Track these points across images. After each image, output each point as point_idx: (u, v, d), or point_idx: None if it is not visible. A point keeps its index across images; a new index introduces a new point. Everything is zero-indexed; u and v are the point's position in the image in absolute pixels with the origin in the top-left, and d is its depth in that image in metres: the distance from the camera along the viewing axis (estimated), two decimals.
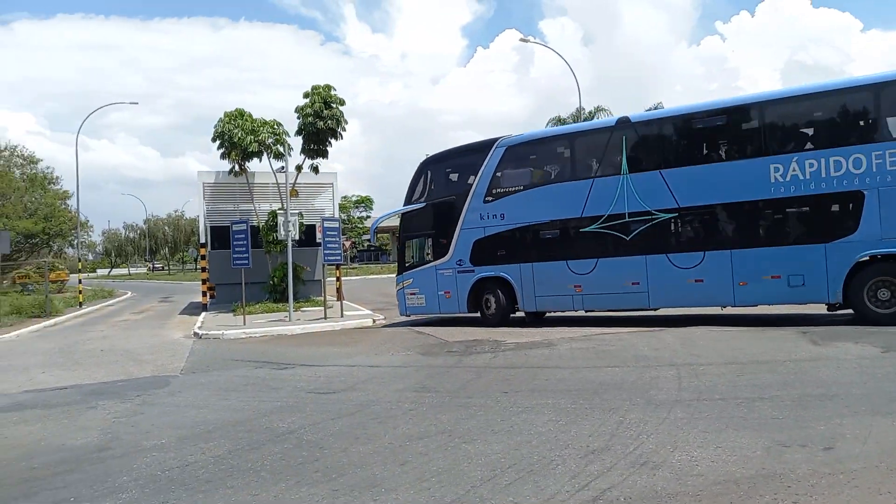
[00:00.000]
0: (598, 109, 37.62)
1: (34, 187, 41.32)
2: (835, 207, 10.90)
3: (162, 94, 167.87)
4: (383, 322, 15.83)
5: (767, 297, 11.49)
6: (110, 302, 30.74)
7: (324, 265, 17.53)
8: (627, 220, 12.33)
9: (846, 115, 11.27)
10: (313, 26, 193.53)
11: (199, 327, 15.47)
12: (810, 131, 11.51)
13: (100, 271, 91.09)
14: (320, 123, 19.33)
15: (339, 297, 18.86)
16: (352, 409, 6.73)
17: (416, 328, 14.15)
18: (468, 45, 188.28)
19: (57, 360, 11.79)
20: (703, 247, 11.82)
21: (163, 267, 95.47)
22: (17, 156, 41.99)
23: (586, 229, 12.73)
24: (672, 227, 12.21)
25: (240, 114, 19.86)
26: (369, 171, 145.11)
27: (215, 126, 19.83)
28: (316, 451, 5.27)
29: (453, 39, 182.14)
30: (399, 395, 7.36)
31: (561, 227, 13.18)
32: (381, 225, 18.86)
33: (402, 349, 11.25)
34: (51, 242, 45.51)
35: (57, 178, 45.95)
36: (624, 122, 12.85)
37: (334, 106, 19.61)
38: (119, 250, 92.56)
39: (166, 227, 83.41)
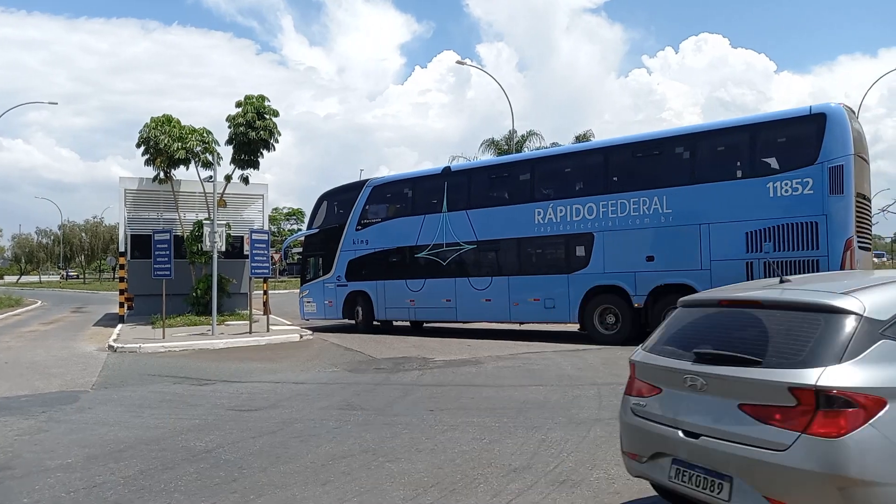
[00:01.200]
0: (531, 133, 38.56)
1: None
2: (574, 245, 13.34)
3: (87, 95, 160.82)
4: (311, 337, 15.58)
5: (531, 316, 14.25)
6: (17, 311, 28.91)
7: (250, 278, 17.10)
8: (445, 249, 15.25)
9: (584, 172, 14.11)
10: (249, 35, 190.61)
11: (115, 340, 14.75)
12: (561, 183, 14.20)
13: (7, 278, 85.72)
14: (252, 134, 18.93)
15: (266, 311, 18.44)
16: (274, 427, 6.57)
17: (345, 344, 14.02)
18: (406, 63, 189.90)
19: None
20: (491, 273, 14.63)
21: (77, 275, 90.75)
22: None
23: (418, 255, 15.74)
24: (472, 257, 14.96)
25: (167, 119, 19.21)
26: (302, 183, 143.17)
27: (140, 131, 19.13)
28: (234, 470, 5.11)
29: (392, 57, 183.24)
30: (324, 412, 7.25)
31: (402, 252, 16.17)
32: (298, 240, 20.46)
33: (329, 365, 11.09)
34: None
35: None
36: (447, 171, 16.13)
37: (267, 117, 19.26)
38: (30, 256, 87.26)
39: (83, 234, 79.34)
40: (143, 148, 19.13)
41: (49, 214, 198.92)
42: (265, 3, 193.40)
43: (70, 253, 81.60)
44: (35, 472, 5.23)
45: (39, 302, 36.40)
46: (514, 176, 15.04)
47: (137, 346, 13.59)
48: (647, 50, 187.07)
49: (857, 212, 10.70)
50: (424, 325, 17.09)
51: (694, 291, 11.06)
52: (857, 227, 10.70)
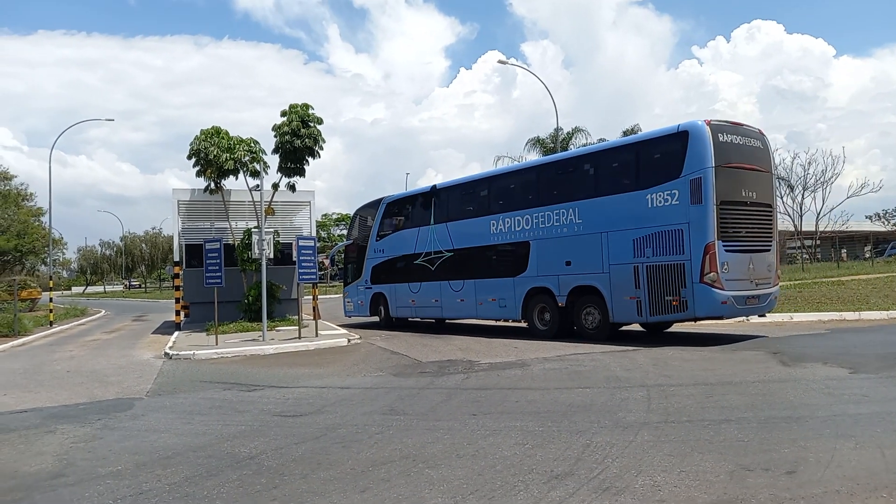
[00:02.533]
0: (576, 130, 38.05)
1: (7, 204, 40.69)
2: (517, 252, 15.01)
3: (143, 111, 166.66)
4: (358, 341, 15.70)
5: (491, 314, 16.10)
6: (82, 321, 30.18)
7: (299, 284, 17.35)
8: (433, 256, 17.37)
9: (523, 187, 15.58)
10: (297, 46, 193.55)
11: (171, 347, 15.19)
12: (508, 198, 15.74)
13: (74, 289, 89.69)
14: (297, 142, 19.25)
15: (315, 316, 18.69)
16: (317, 432, 6.61)
17: (391, 348, 14.06)
18: (451, 65, 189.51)
19: (20, 382, 11.48)
20: (463, 277, 16.51)
21: (139, 285, 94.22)
22: None
23: (416, 262, 17.91)
24: (451, 263, 16.91)
25: (216, 131, 19.70)
26: (351, 189, 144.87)
27: (191, 143, 19.64)
28: (275, 477, 5.15)
29: (436, 60, 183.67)
30: (367, 417, 7.25)
31: (406, 259, 18.38)
32: (341, 250, 23.90)
33: (374, 370, 11.13)
34: (23, 260, 44.76)
35: (31, 194, 45.43)
36: (433, 188, 18.06)
37: (312, 125, 19.54)
38: (95, 268, 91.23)
39: (143, 245, 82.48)
40: (194, 160, 19.66)
41: (111, 226, 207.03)
42: (312, 13, 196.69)
43: (132, 263, 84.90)
44: (86, 479, 5.38)
45: (103, 311, 37.93)
46: (477, 192, 16.86)
47: (191, 353, 13.95)
48: (698, 40, 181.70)
49: (724, 218, 11.64)
50: (447, 321, 19.00)
51: (598, 293, 13.20)
52: (725, 232, 11.65)
